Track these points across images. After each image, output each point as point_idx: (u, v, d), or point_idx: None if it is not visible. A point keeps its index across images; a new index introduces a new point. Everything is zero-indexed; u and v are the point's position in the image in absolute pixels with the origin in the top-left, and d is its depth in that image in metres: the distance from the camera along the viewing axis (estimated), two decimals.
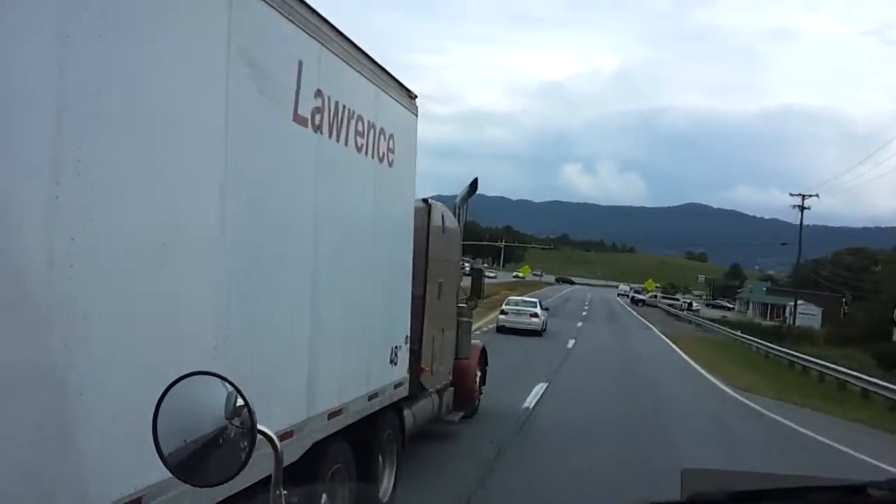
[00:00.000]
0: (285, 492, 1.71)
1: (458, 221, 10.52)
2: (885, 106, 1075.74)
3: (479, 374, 12.06)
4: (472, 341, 11.74)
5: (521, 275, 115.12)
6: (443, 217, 9.16)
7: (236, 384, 1.74)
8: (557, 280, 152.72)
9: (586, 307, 61.87)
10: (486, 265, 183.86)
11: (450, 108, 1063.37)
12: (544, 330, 29.79)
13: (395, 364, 7.11)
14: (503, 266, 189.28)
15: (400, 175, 7.05)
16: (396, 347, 7.14)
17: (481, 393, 12.28)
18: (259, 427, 1.69)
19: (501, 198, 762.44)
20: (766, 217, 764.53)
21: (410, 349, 7.69)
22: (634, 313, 63.54)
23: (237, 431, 1.70)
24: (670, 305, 78.77)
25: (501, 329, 27.89)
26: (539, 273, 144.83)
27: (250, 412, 1.71)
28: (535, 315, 28.63)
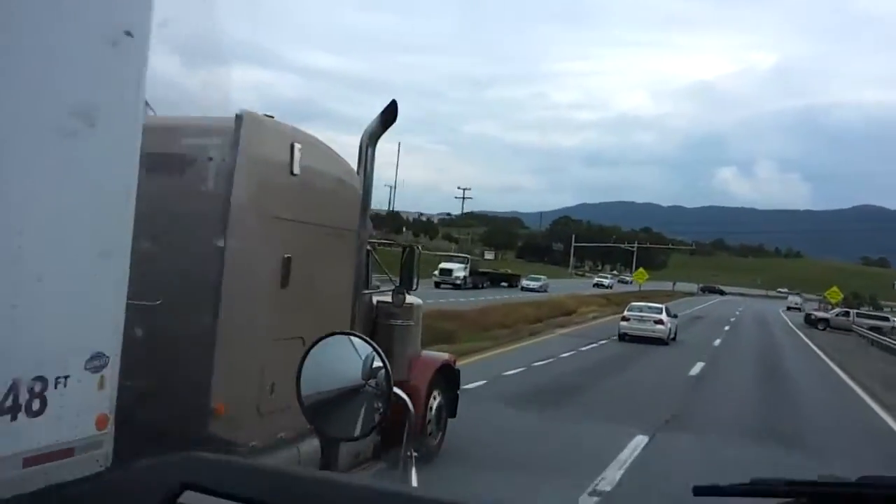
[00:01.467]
0: (416, 453, 1.78)
1: (363, 169, 6.28)
2: None
3: (434, 401, 7.96)
4: (431, 354, 8.23)
5: (603, 282, 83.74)
6: (292, 150, 5.15)
7: (376, 346, 1.77)
8: (702, 289, 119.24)
9: (720, 339, 31.95)
10: (615, 273, 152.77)
11: (596, 115, 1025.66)
12: (673, 339, 26.81)
13: (39, 414, 3.18)
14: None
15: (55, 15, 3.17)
16: (43, 382, 3.19)
17: (443, 429, 8.10)
18: (395, 390, 1.72)
19: (651, 204, 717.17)
20: None
21: (177, 376, 4.35)
22: (818, 352, 32.69)
23: (372, 391, 1.74)
24: (876, 329, 46.37)
25: (624, 337, 25.60)
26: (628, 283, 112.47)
27: (387, 374, 1.73)
28: (661, 322, 25.88)
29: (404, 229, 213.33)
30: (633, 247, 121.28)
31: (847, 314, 50.81)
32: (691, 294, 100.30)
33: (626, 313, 26.72)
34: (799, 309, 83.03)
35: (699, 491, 1.40)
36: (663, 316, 26.40)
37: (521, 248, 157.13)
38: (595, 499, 7.19)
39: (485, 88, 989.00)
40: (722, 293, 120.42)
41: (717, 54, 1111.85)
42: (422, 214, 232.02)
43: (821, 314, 52.88)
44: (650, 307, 27.54)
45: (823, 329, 48.58)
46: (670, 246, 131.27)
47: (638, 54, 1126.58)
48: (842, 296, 58.34)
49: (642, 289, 65.47)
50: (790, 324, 53.36)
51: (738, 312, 60.06)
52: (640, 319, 25.89)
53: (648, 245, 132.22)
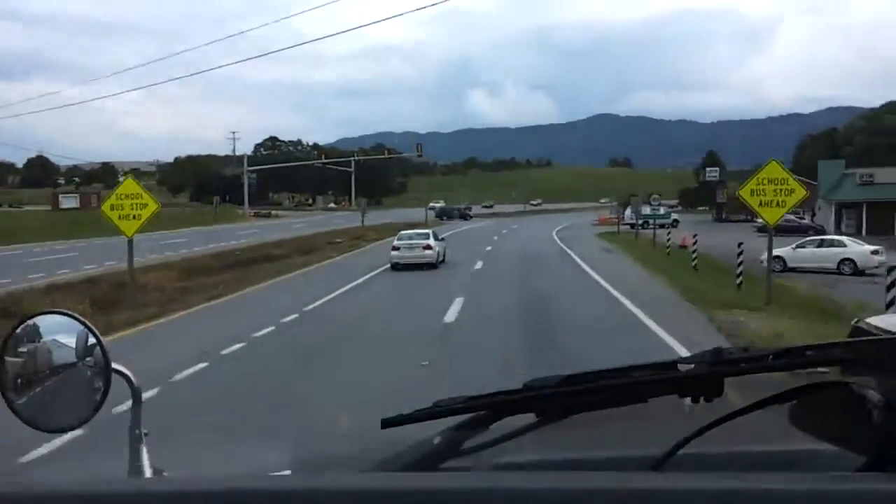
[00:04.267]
0: (146, 431, 1.43)
1: None
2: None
3: None
4: None
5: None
6: None
7: (88, 322, 1.50)
8: (439, 215, 76.09)
9: None
10: (335, 204, 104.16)
11: (348, 46, 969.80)
12: (442, 261, 25.72)
13: None
14: (374, 202, 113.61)
15: None
16: None
17: None
18: (114, 365, 1.45)
19: (409, 132, 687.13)
20: (674, 119, 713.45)
21: None
22: None
23: (91, 371, 1.46)
24: None
25: (396, 266, 24.17)
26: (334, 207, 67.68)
27: (104, 351, 1.47)
28: (429, 247, 25.09)
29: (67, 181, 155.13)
30: (319, 163, 74.13)
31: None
32: (416, 225, 56.19)
33: (395, 242, 25.96)
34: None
35: (387, 423, 1.30)
36: (431, 241, 25.66)
37: (199, 188, 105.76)
38: None
39: (229, 25, 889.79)
40: (466, 217, 78.42)
41: None
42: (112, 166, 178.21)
43: None
44: (418, 234, 27.23)
45: None
46: (387, 155, 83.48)
47: None
48: (805, 192, 15.44)
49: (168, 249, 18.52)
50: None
51: (476, 267, 15.98)
52: (410, 247, 25.09)
53: (363, 157, 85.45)
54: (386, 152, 74.99)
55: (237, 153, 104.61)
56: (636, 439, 1.49)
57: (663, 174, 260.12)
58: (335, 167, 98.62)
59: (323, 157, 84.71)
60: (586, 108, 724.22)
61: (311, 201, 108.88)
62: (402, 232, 27.73)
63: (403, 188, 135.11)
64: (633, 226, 43.99)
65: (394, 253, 24.91)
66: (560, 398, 1.29)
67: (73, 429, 1.47)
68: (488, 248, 33.92)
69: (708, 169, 62.32)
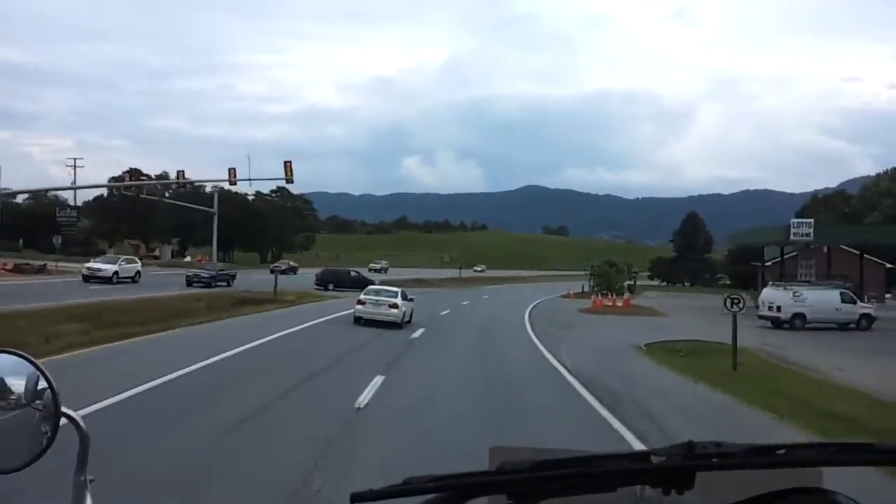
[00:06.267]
0: (91, 477, 1.38)
1: None
2: (691, 85, 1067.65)
3: None
4: None
5: None
6: None
7: (40, 364, 1.44)
8: (321, 282, 45.09)
9: None
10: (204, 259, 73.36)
11: (285, 108, 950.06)
12: (408, 322, 23.96)
13: None
14: (277, 257, 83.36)
15: None
16: None
17: None
18: (63, 409, 1.40)
19: (344, 193, 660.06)
20: (601, 194, 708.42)
21: None
22: None
23: (39, 415, 1.40)
24: None
25: (359, 320, 22.84)
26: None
27: (54, 394, 1.41)
28: (395, 306, 23.18)
29: None
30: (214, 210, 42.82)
31: None
32: (249, 300, 25.59)
33: (362, 296, 24.05)
34: None
35: (356, 497, 1.26)
36: (398, 300, 23.66)
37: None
38: None
39: (165, 80, 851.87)
40: (363, 284, 48.62)
41: (395, 49, 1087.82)
42: None
43: None
44: (387, 291, 24.74)
45: None
46: (233, 177, 50.55)
47: (322, 48, 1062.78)
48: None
49: None
50: None
51: None
52: (376, 304, 23.29)
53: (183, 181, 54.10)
54: (232, 172, 44.06)
55: (84, 187, 71.73)
56: None
57: (598, 243, 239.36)
58: (205, 209, 67.82)
59: (132, 176, 53.26)
60: (517, 179, 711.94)
61: (155, 252, 76.61)
62: (370, 287, 26.04)
63: (310, 243, 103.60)
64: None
65: (358, 307, 23.33)
66: (533, 482, 1.25)
67: (16, 470, 1.37)
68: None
69: (794, 221, 34.18)
